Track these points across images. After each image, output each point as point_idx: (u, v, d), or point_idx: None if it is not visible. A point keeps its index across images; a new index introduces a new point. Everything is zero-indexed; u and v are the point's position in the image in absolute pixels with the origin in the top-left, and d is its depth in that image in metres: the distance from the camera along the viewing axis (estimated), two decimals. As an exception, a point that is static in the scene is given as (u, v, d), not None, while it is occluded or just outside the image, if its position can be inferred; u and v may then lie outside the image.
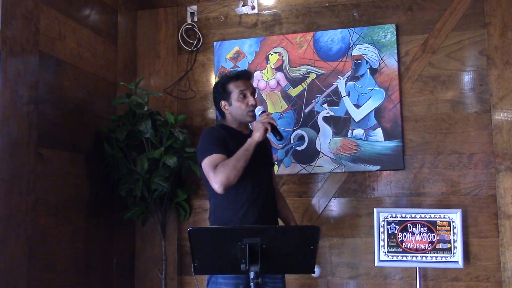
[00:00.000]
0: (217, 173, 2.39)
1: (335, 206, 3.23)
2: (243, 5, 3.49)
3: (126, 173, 3.07)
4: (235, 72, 2.62)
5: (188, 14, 3.58)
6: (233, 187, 2.44)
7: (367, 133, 3.20)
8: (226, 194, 2.46)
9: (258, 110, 2.52)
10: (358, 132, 3.21)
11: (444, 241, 2.91)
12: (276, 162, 3.20)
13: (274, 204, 2.63)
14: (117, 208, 3.25)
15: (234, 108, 2.55)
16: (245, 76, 2.59)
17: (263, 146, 2.61)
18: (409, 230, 2.95)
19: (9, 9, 2.45)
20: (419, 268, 2.93)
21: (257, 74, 3.40)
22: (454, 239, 2.90)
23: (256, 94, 2.63)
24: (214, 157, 2.43)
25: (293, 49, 3.36)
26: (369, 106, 3.21)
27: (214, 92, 2.65)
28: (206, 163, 2.43)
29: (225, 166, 2.39)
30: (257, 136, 2.42)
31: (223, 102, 2.58)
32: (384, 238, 2.96)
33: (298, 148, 3.29)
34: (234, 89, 2.55)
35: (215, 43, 3.50)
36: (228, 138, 2.49)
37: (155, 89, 3.52)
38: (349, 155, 3.21)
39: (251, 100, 2.52)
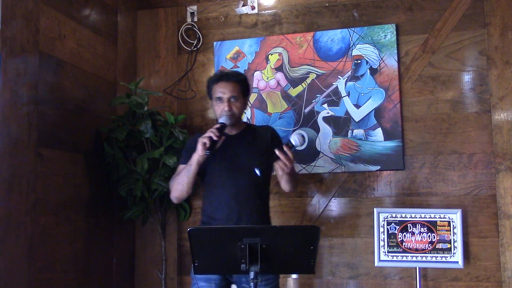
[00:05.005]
0: (169, 185, 2.60)
1: (335, 206, 3.23)
2: (243, 5, 3.49)
3: (126, 173, 3.07)
4: (218, 74, 2.60)
5: (188, 14, 3.58)
6: (209, 188, 2.56)
7: (367, 133, 3.20)
8: (205, 195, 2.62)
9: (220, 120, 2.47)
10: (358, 132, 3.21)
11: (444, 241, 2.91)
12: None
13: (256, 205, 2.53)
14: (117, 208, 3.25)
15: (214, 110, 2.60)
16: (225, 79, 2.53)
17: (252, 145, 2.56)
18: (409, 230, 2.95)
19: (9, 9, 2.46)
20: (419, 268, 2.93)
21: (257, 74, 3.40)
22: (454, 239, 2.90)
23: (234, 98, 2.50)
24: (178, 168, 2.62)
25: (293, 49, 3.36)
26: (369, 106, 3.21)
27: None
28: None
29: (173, 180, 2.56)
30: (196, 152, 2.39)
31: (211, 102, 2.65)
32: (384, 238, 2.96)
33: (298, 148, 3.27)
34: (214, 92, 2.55)
35: (215, 43, 3.50)
36: None
37: (155, 89, 3.52)
38: (349, 155, 3.21)
39: (225, 107, 2.48)
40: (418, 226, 2.94)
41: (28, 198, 2.53)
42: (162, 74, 3.58)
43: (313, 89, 3.30)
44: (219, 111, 2.51)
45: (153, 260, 3.41)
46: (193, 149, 2.46)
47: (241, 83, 2.56)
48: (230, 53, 3.46)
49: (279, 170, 2.40)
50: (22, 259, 2.48)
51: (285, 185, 2.57)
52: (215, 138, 2.35)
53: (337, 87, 3.27)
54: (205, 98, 3.50)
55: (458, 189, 3.07)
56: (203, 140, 2.35)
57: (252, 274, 1.96)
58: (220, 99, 2.51)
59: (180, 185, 2.48)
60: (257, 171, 2.34)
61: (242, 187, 2.50)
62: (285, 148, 2.34)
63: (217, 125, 2.42)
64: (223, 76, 2.56)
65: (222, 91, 2.51)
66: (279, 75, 3.36)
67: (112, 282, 3.23)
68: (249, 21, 3.49)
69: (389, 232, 2.96)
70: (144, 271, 3.45)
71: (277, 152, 2.32)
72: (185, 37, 3.56)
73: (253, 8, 3.47)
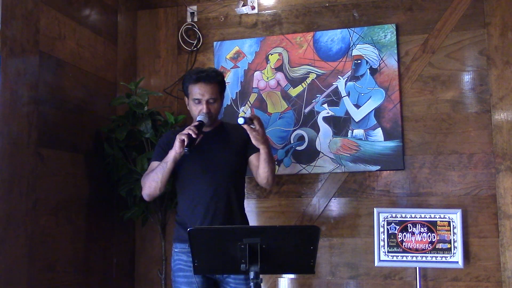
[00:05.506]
0: (141, 182, 2.55)
1: (335, 206, 3.23)
2: (243, 5, 3.49)
3: (126, 173, 3.07)
4: (196, 75, 2.51)
5: (188, 14, 3.58)
6: (184, 186, 2.52)
7: (367, 133, 3.20)
8: (179, 193, 2.58)
9: (198, 118, 2.46)
10: (358, 132, 3.21)
11: (444, 241, 2.91)
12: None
13: (232, 203, 2.50)
14: (117, 208, 3.25)
15: (190, 110, 2.57)
16: (204, 80, 2.48)
17: (226, 142, 2.54)
18: (409, 230, 2.95)
19: (9, 9, 2.46)
20: (419, 268, 2.93)
21: (257, 74, 3.40)
22: (454, 239, 2.90)
23: (213, 100, 2.50)
24: (151, 165, 2.56)
25: (293, 49, 3.36)
26: (369, 106, 3.21)
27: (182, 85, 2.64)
28: None
29: (146, 177, 2.51)
30: (174, 148, 2.38)
31: (185, 99, 2.61)
32: (384, 238, 2.96)
33: (298, 148, 3.29)
34: (191, 93, 2.51)
35: (215, 43, 3.50)
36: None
37: (155, 89, 3.52)
38: (349, 155, 3.21)
39: (204, 108, 2.47)
40: (418, 226, 2.94)
41: (28, 198, 2.53)
42: (162, 74, 3.58)
43: (313, 89, 3.30)
44: (197, 111, 2.50)
45: (153, 260, 3.41)
46: (167, 146, 2.45)
47: (220, 84, 2.55)
48: (230, 53, 3.46)
49: (252, 137, 2.34)
50: (22, 259, 2.48)
51: (262, 173, 2.49)
52: (193, 135, 2.33)
53: (337, 87, 3.27)
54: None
55: (458, 189, 3.07)
56: (181, 137, 2.33)
57: (252, 274, 1.96)
58: (198, 100, 2.49)
59: (154, 182, 2.46)
60: (242, 120, 2.26)
61: (218, 185, 2.48)
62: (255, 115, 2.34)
63: (196, 123, 2.41)
64: (202, 78, 2.49)
65: (201, 93, 2.48)
66: (279, 75, 3.36)
67: (112, 282, 3.23)
68: (249, 21, 3.49)
69: (389, 232, 2.97)
70: (144, 271, 3.45)
71: (250, 114, 2.31)
72: (185, 37, 3.56)
73: (253, 8, 3.47)
